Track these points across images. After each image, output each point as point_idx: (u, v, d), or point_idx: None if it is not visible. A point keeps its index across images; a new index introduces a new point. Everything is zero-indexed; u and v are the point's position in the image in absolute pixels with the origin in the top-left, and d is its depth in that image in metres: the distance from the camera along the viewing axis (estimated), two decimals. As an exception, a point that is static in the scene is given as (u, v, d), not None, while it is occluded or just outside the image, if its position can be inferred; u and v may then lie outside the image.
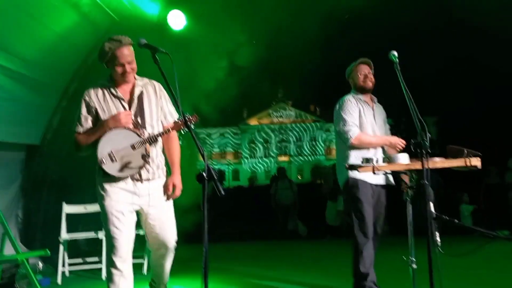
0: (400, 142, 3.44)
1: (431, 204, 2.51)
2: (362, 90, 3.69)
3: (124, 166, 2.78)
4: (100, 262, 5.33)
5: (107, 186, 2.82)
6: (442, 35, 9.75)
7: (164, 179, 3.00)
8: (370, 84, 3.66)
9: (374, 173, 2.92)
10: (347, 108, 3.57)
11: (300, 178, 49.18)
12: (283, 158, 52.10)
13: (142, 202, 2.88)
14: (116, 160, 2.77)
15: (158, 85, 3.01)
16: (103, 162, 2.76)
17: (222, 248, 7.33)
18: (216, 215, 7.33)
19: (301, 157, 54.07)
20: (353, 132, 3.49)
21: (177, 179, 2.99)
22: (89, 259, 5.51)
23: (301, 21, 8.14)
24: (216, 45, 7.20)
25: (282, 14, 8.09)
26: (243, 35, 7.57)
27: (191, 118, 2.68)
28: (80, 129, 2.90)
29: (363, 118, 3.59)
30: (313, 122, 54.34)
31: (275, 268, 5.66)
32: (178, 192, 2.98)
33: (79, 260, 5.50)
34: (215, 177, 2.39)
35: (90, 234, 5.37)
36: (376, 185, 3.59)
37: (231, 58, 8.09)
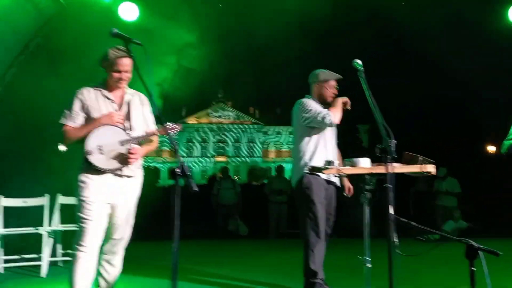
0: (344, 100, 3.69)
1: (391, 207, 2.66)
2: (324, 103, 3.79)
3: (110, 160, 2.99)
4: (39, 259, 5.05)
5: (88, 177, 3.02)
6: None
7: (141, 179, 3.26)
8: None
9: (336, 176, 3.05)
10: (310, 104, 3.72)
11: (238, 179, 49.49)
12: (220, 159, 52.07)
13: (118, 197, 3.09)
14: (103, 153, 2.98)
15: (143, 96, 3.28)
16: (91, 153, 2.95)
17: (162, 246, 7.21)
18: (154, 214, 7.30)
19: (238, 158, 54.34)
20: (327, 113, 3.61)
21: (141, 150, 3.17)
22: (27, 256, 5.20)
23: (246, 24, 8.28)
24: (163, 42, 7.16)
25: (229, 17, 8.19)
26: (191, 35, 7.60)
27: (176, 126, 3.05)
28: (70, 123, 3.09)
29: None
30: (251, 124, 54.80)
31: (219, 265, 5.66)
32: (137, 156, 3.10)
33: (16, 257, 5.18)
34: (188, 173, 2.40)
35: (29, 230, 5.09)
36: (329, 187, 3.73)
37: (177, 55, 8.07)
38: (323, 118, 3.61)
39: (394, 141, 2.55)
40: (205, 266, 5.46)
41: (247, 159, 54.41)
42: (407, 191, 10.05)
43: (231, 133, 54.67)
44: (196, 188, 2.38)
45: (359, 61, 3.12)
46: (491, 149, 16.42)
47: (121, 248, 3.27)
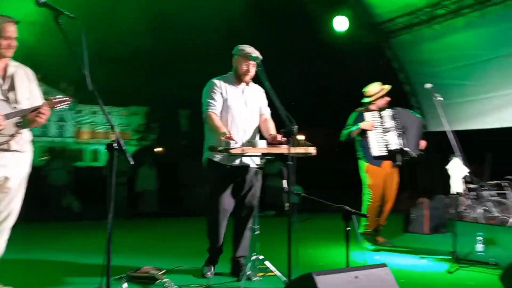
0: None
1: (285, 181, 3.21)
2: (239, 79, 3.88)
3: None
4: None
5: None
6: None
7: (31, 153, 3.18)
8: (248, 79, 3.88)
9: (231, 155, 3.44)
10: (212, 90, 3.81)
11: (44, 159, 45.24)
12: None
13: (6, 172, 2.95)
14: None
15: (29, 71, 3.19)
16: None
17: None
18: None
19: (46, 138, 49.66)
20: (208, 112, 3.75)
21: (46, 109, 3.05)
22: None
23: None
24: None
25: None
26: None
27: (66, 98, 3.08)
28: None
29: (226, 100, 3.82)
30: (62, 102, 50.51)
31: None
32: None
33: None
34: (124, 148, 2.51)
35: None
36: (233, 167, 3.79)
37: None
38: (202, 112, 3.80)
39: (296, 127, 3.07)
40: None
41: (56, 139, 50.16)
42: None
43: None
44: (132, 162, 2.51)
45: (256, 54, 3.54)
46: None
47: (7, 227, 3.10)
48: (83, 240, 6.23)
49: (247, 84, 3.91)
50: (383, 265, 2.70)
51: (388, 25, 9.55)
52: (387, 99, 5.55)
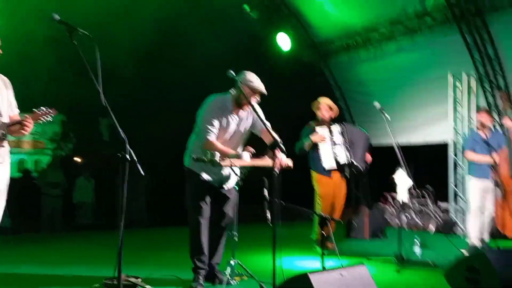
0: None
1: (266, 191, 3.50)
2: (239, 106, 3.94)
3: None
4: None
5: None
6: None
7: (9, 166, 3.23)
8: (247, 108, 3.94)
9: (213, 166, 3.66)
10: (213, 115, 3.85)
11: None
12: None
13: None
14: None
15: (6, 80, 3.19)
16: None
17: None
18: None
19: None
20: (210, 137, 3.82)
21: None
22: None
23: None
24: None
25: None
26: None
27: (50, 111, 3.09)
28: None
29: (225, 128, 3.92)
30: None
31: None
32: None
33: None
34: (134, 158, 2.65)
35: None
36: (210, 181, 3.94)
37: None
38: (204, 136, 3.84)
39: (280, 141, 3.38)
40: None
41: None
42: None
43: None
44: (143, 172, 2.66)
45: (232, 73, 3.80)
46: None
47: None
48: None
49: (244, 110, 3.97)
50: (361, 265, 3.08)
51: (327, 45, 10.22)
52: (332, 111, 6.05)
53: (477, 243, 5.71)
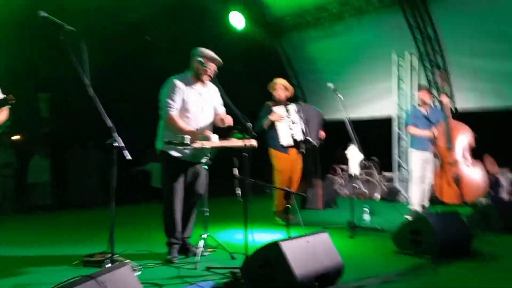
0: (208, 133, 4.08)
1: (236, 170, 3.83)
2: (198, 79, 4.22)
3: None
4: None
5: None
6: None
7: None
8: (206, 79, 4.21)
9: (184, 149, 3.93)
10: (172, 90, 4.11)
11: None
12: None
13: None
14: None
15: None
16: None
17: None
18: None
19: None
20: (171, 111, 4.09)
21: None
22: None
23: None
24: None
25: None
26: None
27: (7, 97, 3.29)
28: None
29: (187, 103, 4.15)
30: None
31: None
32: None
33: None
34: (122, 145, 2.89)
35: None
36: (187, 161, 4.19)
37: None
38: (166, 111, 4.11)
39: (250, 124, 3.70)
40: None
41: None
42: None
43: None
44: (129, 157, 2.89)
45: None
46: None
47: None
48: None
49: (204, 84, 4.27)
50: (323, 231, 3.51)
51: (279, 24, 10.52)
52: (288, 91, 6.41)
53: (419, 209, 6.37)
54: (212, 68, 4.17)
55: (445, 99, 6.28)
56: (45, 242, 5.33)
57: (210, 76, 4.16)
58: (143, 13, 8.76)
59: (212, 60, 4.18)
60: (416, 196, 6.42)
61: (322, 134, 6.49)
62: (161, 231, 4.38)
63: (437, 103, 6.91)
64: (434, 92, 8.27)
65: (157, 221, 4.60)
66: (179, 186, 4.22)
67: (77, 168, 10.67)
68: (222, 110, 4.43)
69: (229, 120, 4.19)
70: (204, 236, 4.15)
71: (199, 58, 4.14)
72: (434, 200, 6.40)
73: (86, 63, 2.76)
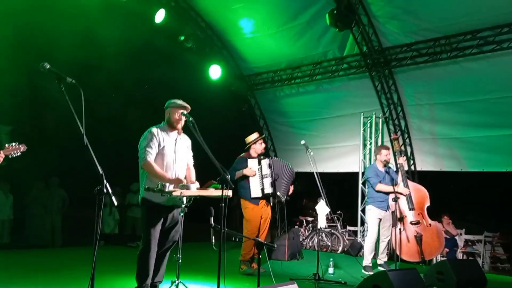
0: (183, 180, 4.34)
1: (212, 219, 4.03)
2: (172, 128, 4.49)
3: None
4: None
5: None
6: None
7: None
8: (179, 127, 4.49)
9: (162, 195, 4.12)
10: (150, 139, 4.34)
11: None
12: None
13: None
14: None
15: None
16: None
17: None
18: None
19: None
20: (148, 157, 4.30)
21: None
22: None
23: None
24: None
25: None
26: None
27: (20, 147, 3.51)
28: None
29: (163, 148, 4.37)
30: None
31: None
32: None
33: None
34: (110, 191, 3.06)
35: None
36: (165, 205, 4.33)
37: None
38: (143, 158, 4.31)
39: (229, 176, 3.94)
40: None
41: None
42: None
43: None
44: (116, 203, 3.07)
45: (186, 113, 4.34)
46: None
47: None
48: None
49: (179, 133, 4.52)
50: (292, 282, 3.71)
51: (254, 78, 11.04)
52: (263, 146, 6.74)
53: (369, 264, 6.67)
54: (181, 116, 4.42)
55: (401, 160, 6.78)
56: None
57: (181, 124, 4.44)
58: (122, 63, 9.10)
59: (181, 107, 4.46)
60: (369, 251, 6.73)
61: (291, 189, 6.76)
62: (129, 274, 4.44)
63: (390, 165, 7.27)
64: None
65: (124, 264, 4.64)
66: (157, 234, 4.36)
67: (39, 206, 10.39)
68: (191, 161, 4.71)
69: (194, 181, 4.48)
70: (176, 282, 4.26)
71: (170, 110, 4.45)
72: (392, 257, 6.70)
73: (83, 114, 2.96)
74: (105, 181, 3.04)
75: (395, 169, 6.95)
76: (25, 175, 10.43)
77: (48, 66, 2.96)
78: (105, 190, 3.00)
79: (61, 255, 8.39)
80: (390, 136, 9.44)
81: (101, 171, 3.05)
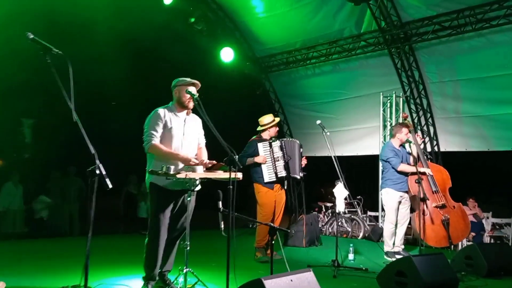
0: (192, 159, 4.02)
1: (220, 203, 3.74)
2: (181, 108, 4.20)
3: None
4: None
5: None
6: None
7: None
8: (190, 106, 4.18)
9: (167, 178, 3.82)
10: (155, 121, 4.07)
11: None
12: None
13: None
14: None
15: None
16: None
17: None
18: None
19: None
20: (153, 140, 4.03)
21: None
22: None
23: None
24: None
25: None
26: None
27: None
28: None
29: (170, 129, 4.10)
30: None
31: None
32: None
33: None
34: (104, 173, 2.80)
35: None
36: (175, 191, 4.09)
37: None
38: (148, 141, 4.05)
39: (237, 156, 3.64)
40: None
41: None
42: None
43: None
44: (110, 185, 2.80)
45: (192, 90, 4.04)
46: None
47: None
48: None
49: (188, 113, 4.23)
50: (308, 270, 3.41)
51: (268, 60, 10.66)
52: (277, 129, 6.41)
53: (392, 250, 6.31)
54: (193, 90, 4.12)
55: (418, 139, 6.42)
56: (14, 272, 5.06)
57: (192, 103, 4.10)
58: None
59: (191, 84, 4.17)
60: (389, 237, 6.38)
61: (304, 162, 6.40)
62: (138, 263, 4.23)
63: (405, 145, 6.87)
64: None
65: (136, 253, 4.45)
66: (166, 220, 4.11)
67: (56, 195, 10.39)
68: (202, 141, 4.40)
69: (206, 163, 4.08)
70: (184, 271, 4.00)
71: (179, 86, 4.16)
72: (416, 241, 6.35)
73: (71, 86, 2.70)
74: (97, 162, 2.78)
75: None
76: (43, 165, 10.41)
77: (31, 36, 2.70)
78: (97, 172, 2.75)
79: (80, 244, 8.25)
80: (411, 115, 9.01)
81: (93, 151, 2.80)
